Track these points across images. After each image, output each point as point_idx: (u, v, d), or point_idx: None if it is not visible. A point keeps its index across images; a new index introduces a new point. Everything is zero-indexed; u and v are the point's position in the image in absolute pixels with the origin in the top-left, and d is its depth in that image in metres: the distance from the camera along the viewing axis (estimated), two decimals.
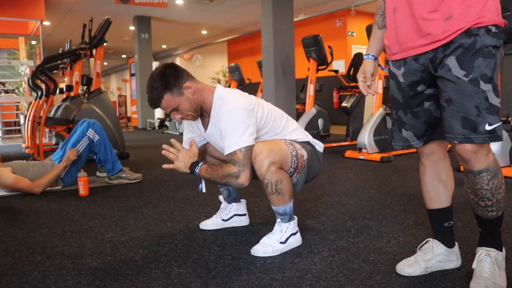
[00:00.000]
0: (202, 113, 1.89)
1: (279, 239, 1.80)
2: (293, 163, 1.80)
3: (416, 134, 1.52)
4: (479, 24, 1.30)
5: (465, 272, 1.54)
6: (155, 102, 1.76)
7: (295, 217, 1.88)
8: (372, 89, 1.57)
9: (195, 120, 1.92)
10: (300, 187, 1.92)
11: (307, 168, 1.89)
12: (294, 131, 1.94)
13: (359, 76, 1.58)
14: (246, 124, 1.73)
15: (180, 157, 1.81)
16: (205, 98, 1.83)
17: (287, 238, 1.82)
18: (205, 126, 1.92)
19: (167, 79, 1.73)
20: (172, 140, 1.86)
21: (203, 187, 1.96)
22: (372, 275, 1.54)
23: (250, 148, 1.72)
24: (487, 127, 1.31)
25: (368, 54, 1.59)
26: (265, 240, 1.81)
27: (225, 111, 1.75)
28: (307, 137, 1.97)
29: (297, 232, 1.88)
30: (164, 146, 1.82)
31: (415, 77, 1.45)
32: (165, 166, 1.83)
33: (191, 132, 2.01)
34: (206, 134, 1.94)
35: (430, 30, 1.35)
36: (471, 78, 1.31)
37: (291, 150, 1.80)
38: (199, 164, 1.79)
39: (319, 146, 2.00)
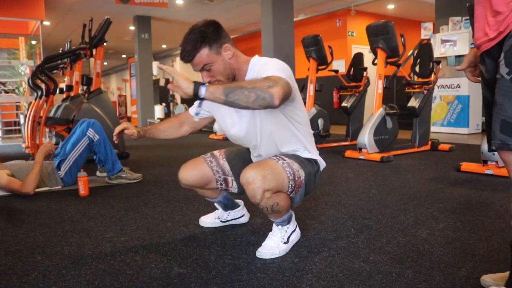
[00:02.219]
0: None
1: (281, 240, 1.79)
2: (290, 187, 1.69)
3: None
4: None
5: (465, 272, 1.54)
6: (189, 54, 1.59)
7: (292, 212, 1.83)
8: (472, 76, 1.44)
9: None
10: (297, 204, 1.86)
11: (304, 187, 1.79)
12: (311, 134, 1.85)
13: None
14: (288, 72, 1.58)
15: (178, 73, 1.51)
16: (241, 67, 1.69)
17: (289, 237, 1.82)
18: None
19: (208, 34, 1.58)
20: (158, 65, 1.64)
21: (200, 111, 1.77)
22: (372, 275, 1.54)
23: (289, 84, 1.50)
24: None
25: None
26: (268, 242, 1.79)
27: (268, 59, 1.65)
28: (317, 154, 1.87)
29: (296, 227, 1.87)
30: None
31: (490, 74, 1.30)
32: (169, 86, 1.53)
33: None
34: None
35: (491, 26, 1.22)
36: None
37: (288, 174, 1.67)
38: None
39: (323, 165, 1.90)
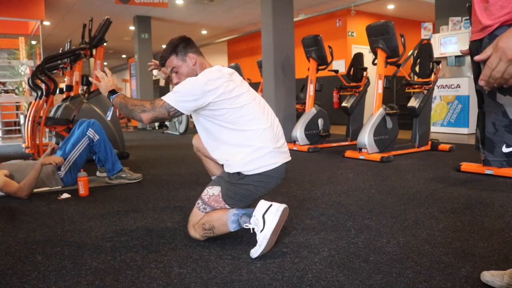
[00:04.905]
0: None
1: (259, 231, 1.73)
2: (204, 210, 1.94)
3: (480, 137, 1.34)
4: (510, 20, 1.07)
5: (465, 272, 1.54)
6: (162, 59, 2.07)
7: (250, 209, 1.80)
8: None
9: None
10: (249, 203, 1.94)
11: (233, 195, 1.87)
12: (262, 132, 1.87)
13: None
14: (187, 92, 1.83)
15: (106, 80, 2.10)
16: None
17: (263, 221, 1.72)
18: None
19: (177, 45, 2.03)
20: (106, 69, 2.17)
21: (109, 115, 2.31)
22: (372, 275, 1.54)
23: (171, 109, 1.84)
24: (504, 149, 1.07)
25: None
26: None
27: (189, 78, 1.92)
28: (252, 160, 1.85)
29: (268, 207, 1.75)
30: (96, 72, 2.15)
31: (473, 74, 1.26)
32: (94, 77, 2.14)
33: None
34: None
35: (476, 16, 1.16)
36: (489, 90, 1.10)
37: (198, 207, 1.97)
38: (118, 92, 2.06)
39: (260, 167, 1.84)
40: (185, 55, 2.03)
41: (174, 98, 1.85)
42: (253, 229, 1.77)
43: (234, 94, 1.87)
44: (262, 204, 1.78)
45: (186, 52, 2.03)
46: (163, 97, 1.87)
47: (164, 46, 2.21)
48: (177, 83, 2.01)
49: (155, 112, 1.87)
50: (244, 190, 1.89)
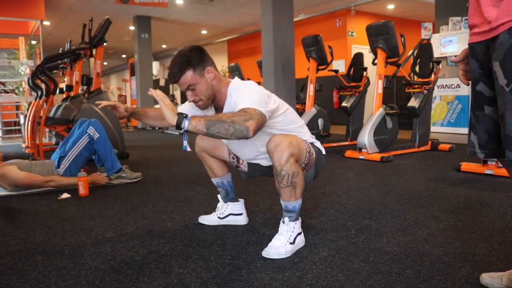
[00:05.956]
0: (215, 106, 1.92)
1: (288, 240, 1.78)
2: (306, 159, 1.82)
3: (478, 141, 1.34)
4: None
5: (465, 272, 1.54)
6: (175, 76, 1.77)
7: (299, 217, 1.87)
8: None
9: (204, 109, 1.89)
10: (308, 185, 1.92)
11: (314, 166, 1.90)
12: (303, 127, 1.96)
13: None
14: (262, 99, 1.69)
15: (167, 102, 1.67)
16: (221, 89, 1.85)
17: (295, 238, 1.81)
18: None
19: (192, 57, 1.76)
20: (158, 91, 1.74)
21: (187, 145, 1.78)
22: (372, 275, 1.54)
23: (264, 116, 1.64)
24: None
25: None
26: (275, 242, 1.79)
27: (243, 88, 1.76)
28: (313, 139, 1.98)
29: (301, 232, 1.87)
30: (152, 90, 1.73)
31: (473, 74, 1.27)
32: (152, 92, 1.70)
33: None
34: None
35: (483, 17, 1.15)
36: (511, 88, 1.11)
37: (306, 146, 1.83)
38: (189, 116, 1.63)
39: (322, 149, 1.99)
40: (203, 69, 1.78)
41: (259, 105, 1.64)
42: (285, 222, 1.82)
43: (278, 101, 1.87)
44: (300, 226, 1.86)
45: (204, 65, 1.78)
46: (248, 105, 1.62)
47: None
48: (193, 101, 1.82)
49: (256, 120, 1.59)
50: (317, 164, 1.91)
